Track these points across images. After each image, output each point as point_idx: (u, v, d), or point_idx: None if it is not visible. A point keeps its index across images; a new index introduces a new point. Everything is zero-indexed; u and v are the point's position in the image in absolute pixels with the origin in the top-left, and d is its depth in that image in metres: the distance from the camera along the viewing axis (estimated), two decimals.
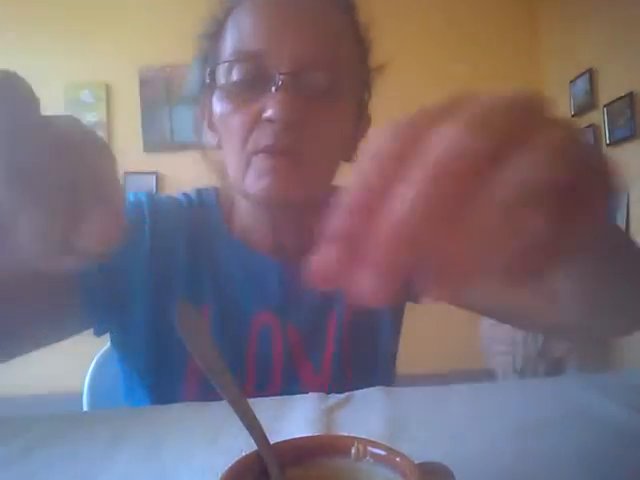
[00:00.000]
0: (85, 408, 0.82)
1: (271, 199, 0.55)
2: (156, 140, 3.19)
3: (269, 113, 0.53)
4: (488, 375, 2.69)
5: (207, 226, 0.64)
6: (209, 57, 0.60)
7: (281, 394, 0.55)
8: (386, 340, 0.68)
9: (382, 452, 0.28)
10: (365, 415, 0.45)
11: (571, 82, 3.07)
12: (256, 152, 0.55)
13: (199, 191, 0.68)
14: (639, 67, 2.52)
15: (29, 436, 0.45)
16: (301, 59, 0.54)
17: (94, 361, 0.86)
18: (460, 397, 0.51)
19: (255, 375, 0.61)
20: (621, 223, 2.65)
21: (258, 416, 0.46)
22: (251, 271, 0.63)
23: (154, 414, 0.49)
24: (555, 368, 2.52)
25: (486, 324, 2.67)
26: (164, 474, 0.36)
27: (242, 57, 0.55)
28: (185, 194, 0.68)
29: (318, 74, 0.55)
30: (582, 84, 2.98)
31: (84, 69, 3.31)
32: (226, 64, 0.56)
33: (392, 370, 0.71)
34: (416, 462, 0.27)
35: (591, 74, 2.90)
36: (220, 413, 0.48)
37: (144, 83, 3.18)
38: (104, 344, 0.87)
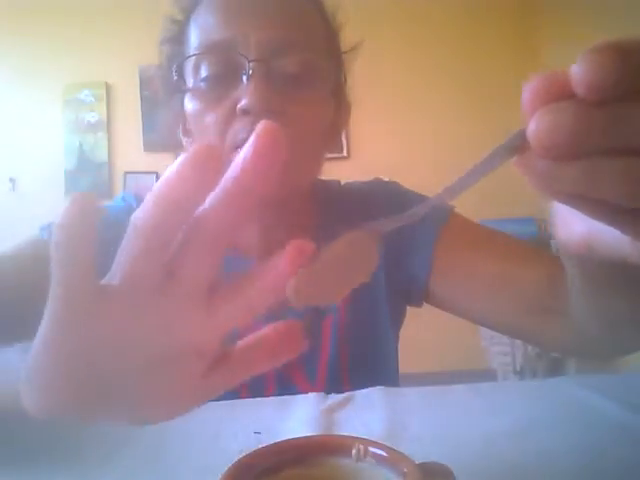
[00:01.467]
0: None
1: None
2: (156, 140, 3.19)
3: (243, 103, 0.50)
4: (488, 375, 2.69)
5: None
6: (174, 60, 0.58)
7: None
8: (385, 342, 0.65)
9: (383, 452, 0.28)
10: (365, 415, 0.45)
11: None
12: (235, 147, 0.52)
13: None
14: None
15: (30, 436, 0.45)
16: (269, 44, 0.52)
17: None
18: (460, 397, 0.51)
19: (247, 384, 0.57)
20: None
21: (258, 416, 0.46)
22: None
23: None
24: (555, 368, 2.52)
25: None
26: (164, 474, 0.36)
27: (208, 49, 0.53)
28: None
29: (289, 58, 0.53)
30: None
31: (84, 69, 3.30)
32: (192, 59, 0.54)
33: (394, 373, 0.68)
34: (416, 462, 0.27)
35: None
36: (220, 413, 0.48)
37: (144, 83, 3.18)
38: None
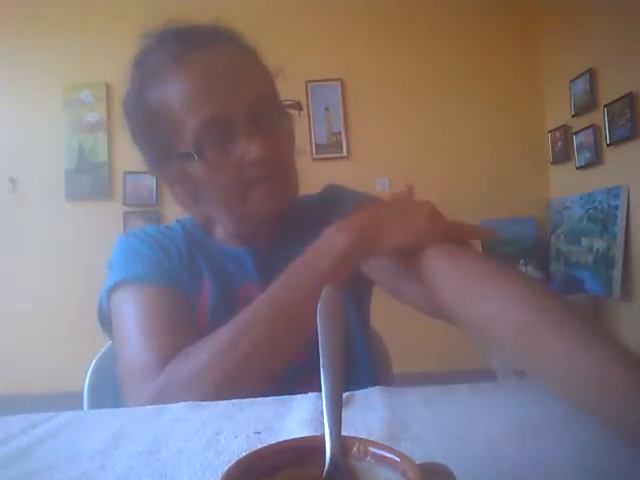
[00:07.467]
0: (85, 408, 0.82)
1: (273, 213, 0.69)
2: None
3: (253, 156, 0.65)
4: (488, 375, 2.69)
5: (194, 237, 0.80)
6: (160, 135, 0.70)
7: None
8: (354, 345, 0.75)
9: (383, 452, 0.28)
10: (365, 415, 0.45)
11: (571, 82, 3.07)
12: (251, 186, 0.67)
13: (179, 220, 0.84)
14: (639, 67, 2.52)
15: (29, 436, 0.45)
16: (254, 105, 0.66)
17: (94, 361, 0.86)
18: (460, 397, 0.51)
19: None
20: (622, 224, 2.65)
21: (258, 416, 0.46)
22: (231, 258, 0.78)
23: (154, 414, 0.49)
24: None
25: None
26: (164, 474, 0.36)
27: (210, 123, 0.65)
28: (167, 226, 0.83)
29: (266, 110, 0.67)
30: (582, 84, 2.98)
31: (84, 69, 3.30)
32: (193, 134, 0.65)
33: (374, 373, 0.76)
34: (416, 462, 0.26)
35: (591, 74, 2.90)
36: (220, 413, 0.48)
37: None
38: (104, 344, 0.87)
